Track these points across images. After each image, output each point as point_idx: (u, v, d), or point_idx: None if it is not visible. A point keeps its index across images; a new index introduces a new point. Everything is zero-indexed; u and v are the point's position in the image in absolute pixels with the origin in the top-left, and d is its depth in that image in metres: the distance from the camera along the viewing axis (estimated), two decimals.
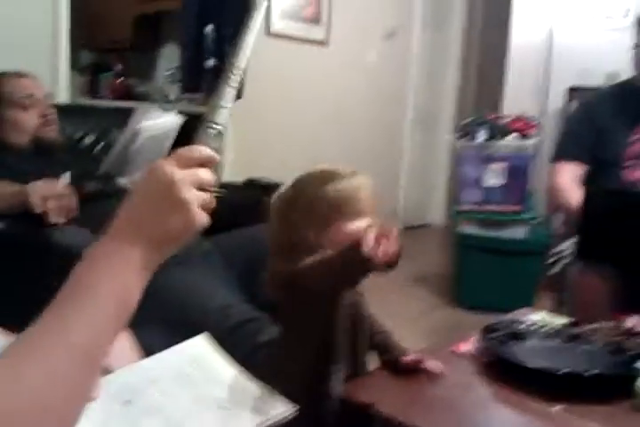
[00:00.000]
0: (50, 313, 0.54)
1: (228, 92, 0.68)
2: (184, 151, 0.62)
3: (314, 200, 1.10)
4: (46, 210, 1.42)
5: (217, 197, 0.63)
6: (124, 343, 1.06)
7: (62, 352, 0.52)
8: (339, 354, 1.09)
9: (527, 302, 2.24)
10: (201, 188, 0.61)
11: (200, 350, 1.00)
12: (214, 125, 0.65)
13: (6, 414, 0.48)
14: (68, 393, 0.52)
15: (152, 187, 0.59)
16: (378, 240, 0.94)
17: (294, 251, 1.08)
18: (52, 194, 1.44)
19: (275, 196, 1.18)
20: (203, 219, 0.60)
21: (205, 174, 0.61)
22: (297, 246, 1.09)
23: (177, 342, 1.01)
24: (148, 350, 1.04)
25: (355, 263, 0.97)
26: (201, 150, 0.62)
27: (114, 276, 0.56)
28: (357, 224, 1.07)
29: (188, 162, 0.60)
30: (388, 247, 0.94)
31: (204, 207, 0.61)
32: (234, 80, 0.69)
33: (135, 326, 1.07)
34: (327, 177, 1.11)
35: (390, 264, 0.96)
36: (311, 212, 1.09)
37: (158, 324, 1.23)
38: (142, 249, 0.58)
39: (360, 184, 1.11)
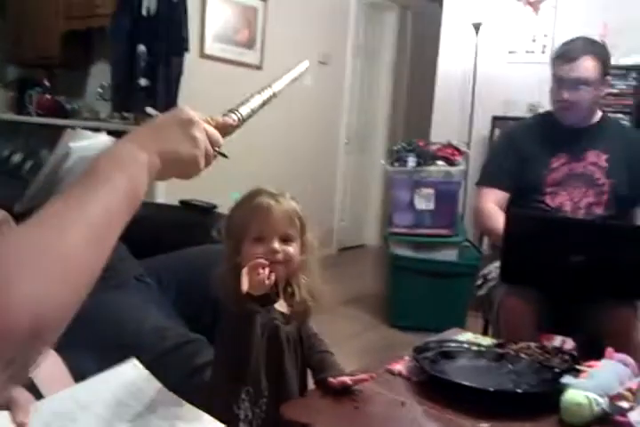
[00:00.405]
0: (67, 195, 0.60)
1: (257, 98, 0.82)
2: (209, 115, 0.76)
3: (232, 217, 1.14)
4: None
5: (220, 153, 0.75)
6: (56, 369, 1.04)
7: (79, 226, 0.57)
8: (249, 376, 1.08)
9: (457, 322, 2.30)
10: (210, 141, 0.73)
11: (131, 374, 0.99)
12: (236, 112, 0.78)
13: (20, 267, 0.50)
14: (80, 266, 0.56)
15: (175, 118, 0.71)
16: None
17: (231, 268, 1.10)
18: None
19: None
20: (200, 164, 0.73)
21: (217, 135, 0.75)
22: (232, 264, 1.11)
23: (110, 366, 0.99)
24: (80, 374, 1.02)
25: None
26: (224, 117, 0.77)
27: (125, 167, 0.65)
28: (268, 246, 1.08)
29: (209, 120, 0.75)
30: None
31: (206, 157, 0.73)
32: (265, 93, 0.83)
33: (67, 351, 1.05)
34: (250, 196, 1.13)
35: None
36: (228, 229, 1.14)
37: (91, 348, 1.20)
38: (150, 155, 0.67)
39: (274, 205, 1.10)
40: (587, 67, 1.98)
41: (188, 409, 0.93)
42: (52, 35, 4.68)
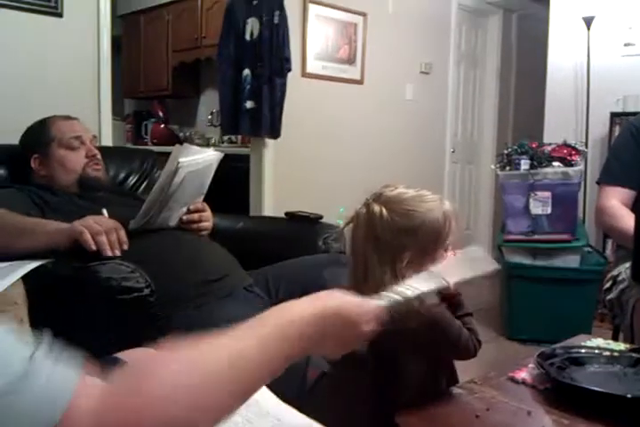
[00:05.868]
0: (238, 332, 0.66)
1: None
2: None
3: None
4: (99, 246, 1.43)
5: None
6: None
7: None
8: None
9: (584, 331, 2.14)
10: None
11: None
12: (396, 295, 0.82)
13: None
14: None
15: (338, 321, 0.75)
16: None
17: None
18: (98, 230, 1.45)
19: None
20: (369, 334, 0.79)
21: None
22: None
23: None
24: None
25: None
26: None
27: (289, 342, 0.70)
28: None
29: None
30: None
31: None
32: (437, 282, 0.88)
33: None
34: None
35: None
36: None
37: None
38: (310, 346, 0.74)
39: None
40: None
41: (267, 396, 0.93)
42: (163, 68, 4.97)
